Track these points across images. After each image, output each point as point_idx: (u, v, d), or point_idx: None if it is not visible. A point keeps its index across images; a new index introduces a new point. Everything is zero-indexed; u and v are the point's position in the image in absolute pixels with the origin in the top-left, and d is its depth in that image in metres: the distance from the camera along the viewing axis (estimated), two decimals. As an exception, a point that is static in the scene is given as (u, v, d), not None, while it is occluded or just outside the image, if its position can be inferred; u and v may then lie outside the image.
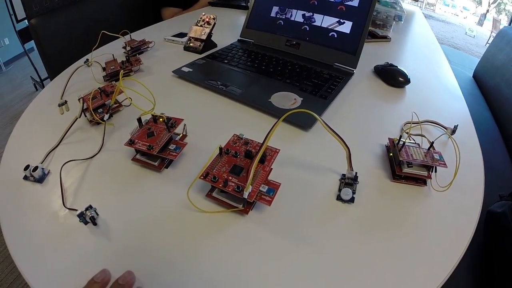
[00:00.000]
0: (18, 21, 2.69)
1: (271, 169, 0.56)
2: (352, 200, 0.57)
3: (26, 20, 2.58)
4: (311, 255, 0.49)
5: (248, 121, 0.77)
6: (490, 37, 6.51)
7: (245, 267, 0.47)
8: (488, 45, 1.92)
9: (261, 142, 0.53)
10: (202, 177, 0.52)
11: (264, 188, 0.53)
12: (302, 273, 0.46)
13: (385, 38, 1.35)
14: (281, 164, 0.63)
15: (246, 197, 0.48)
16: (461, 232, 0.53)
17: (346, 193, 0.57)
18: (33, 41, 1.49)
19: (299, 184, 0.61)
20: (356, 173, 0.60)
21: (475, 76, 1.99)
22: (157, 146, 0.58)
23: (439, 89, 0.97)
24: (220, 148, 0.56)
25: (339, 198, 0.57)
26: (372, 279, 0.46)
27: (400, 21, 1.56)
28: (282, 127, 0.74)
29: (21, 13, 2.62)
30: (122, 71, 0.68)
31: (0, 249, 1.72)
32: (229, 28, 1.36)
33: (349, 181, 0.60)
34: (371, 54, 1.13)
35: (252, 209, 0.54)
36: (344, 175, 0.61)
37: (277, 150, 0.58)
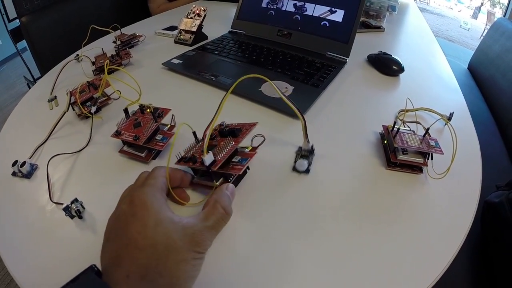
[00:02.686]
0: (9, 21, 2.67)
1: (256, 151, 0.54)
2: (307, 171, 0.58)
3: (17, 19, 2.59)
4: (307, 249, 0.48)
5: (238, 111, 0.76)
6: (484, 30, 6.48)
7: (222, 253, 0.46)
8: (482, 37, 1.92)
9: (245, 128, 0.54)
10: (176, 162, 0.52)
11: (236, 159, 0.52)
12: (297, 267, 0.46)
13: (378, 28, 1.34)
14: (267, 151, 0.62)
15: (207, 164, 0.47)
16: (459, 221, 0.52)
17: (301, 164, 0.57)
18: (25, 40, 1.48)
19: (279, 169, 0.60)
20: (312, 145, 0.60)
21: (470, 68, 1.99)
22: (143, 136, 0.57)
23: (434, 79, 0.96)
24: (194, 133, 0.55)
25: (294, 169, 0.59)
26: (367, 270, 0.45)
27: (393, 11, 1.56)
28: (272, 115, 0.73)
29: (12, 13, 2.60)
30: (107, 61, 0.67)
31: None
32: (220, 20, 1.35)
33: (305, 153, 0.60)
34: (365, 44, 1.12)
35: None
36: (300, 147, 0.61)
37: (254, 124, 0.56)
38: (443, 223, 0.52)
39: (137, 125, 0.59)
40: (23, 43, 2.68)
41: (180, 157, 0.52)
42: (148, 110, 0.61)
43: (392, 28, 1.41)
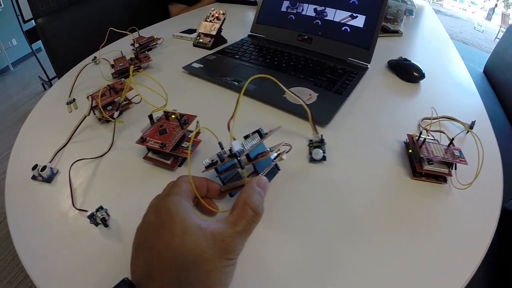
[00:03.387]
0: (25, 22, 2.70)
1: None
2: (324, 158, 0.61)
3: (33, 20, 2.61)
4: (330, 256, 0.47)
5: (262, 117, 0.75)
6: (499, 31, 6.41)
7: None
8: (497, 40, 1.90)
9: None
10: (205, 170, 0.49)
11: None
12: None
13: (396, 32, 1.31)
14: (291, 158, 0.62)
15: (235, 150, 0.45)
16: (482, 232, 0.51)
17: (317, 153, 0.61)
18: (40, 41, 1.49)
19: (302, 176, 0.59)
20: (321, 135, 0.63)
21: (485, 71, 1.96)
22: (170, 144, 0.56)
23: (453, 84, 0.94)
24: (220, 143, 0.50)
25: (312, 160, 0.61)
26: (390, 279, 0.44)
27: (411, 15, 1.55)
28: (297, 122, 0.72)
29: (28, 14, 2.64)
30: (132, 66, 0.66)
31: (5, 252, 1.73)
32: (238, 23, 1.34)
33: (317, 144, 0.63)
34: (383, 49, 1.10)
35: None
36: (311, 140, 0.65)
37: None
38: (466, 233, 0.51)
39: (163, 131, 0.58)
40: (37, 44, 2.73)
41: (208, 163, 0.49)
42: (173, 116, 0.60)
43: (409, 32, 1.39)
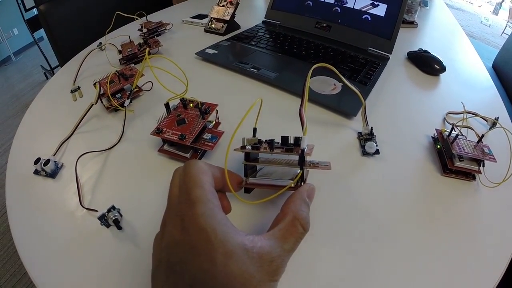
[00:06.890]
0: (26, 10, 2.67)
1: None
2: (377, 151, 0.58)
3: (35, 9, 2.58)
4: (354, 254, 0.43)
5: (285, 107, 0.70)
6: (506, 26, 6.34)
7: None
8: (504, 35, 1.87)
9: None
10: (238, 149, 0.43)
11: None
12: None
13: (412, 23, 1.27)
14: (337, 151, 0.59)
15: (303, 147, 0.40)
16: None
17: (371, 146, 0.58)
18: (42, 30, 1.45)
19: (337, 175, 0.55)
20: (371, 127, 0.61)
21: (494, 67, 1.92)
22: (190, 135, 0.50)
23: (471, 79, 0.90)
24: (254, 129, 0.44)
25: (365, 153, 0.59)
26: (416, 277, 0.42)
27: (425, 6, 1.51)
28: (324, 113, 0.68)
29: (29, 2, 2.61)
30: (148, 48, 0.61)
31: (8, 244, 1.72)
32: (250, 9, 1.29)
33: (367, 137, 0.61)
34: (400, 39, 1.05)
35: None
36: (360, 133, 0.63)
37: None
38: (497, 232, 0.48)
39: (181, 122, 0.53)
40: (39, 33, 2.69)
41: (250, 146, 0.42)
42: (191, 105, 0.54)
43: (424, 23, 1.34)
